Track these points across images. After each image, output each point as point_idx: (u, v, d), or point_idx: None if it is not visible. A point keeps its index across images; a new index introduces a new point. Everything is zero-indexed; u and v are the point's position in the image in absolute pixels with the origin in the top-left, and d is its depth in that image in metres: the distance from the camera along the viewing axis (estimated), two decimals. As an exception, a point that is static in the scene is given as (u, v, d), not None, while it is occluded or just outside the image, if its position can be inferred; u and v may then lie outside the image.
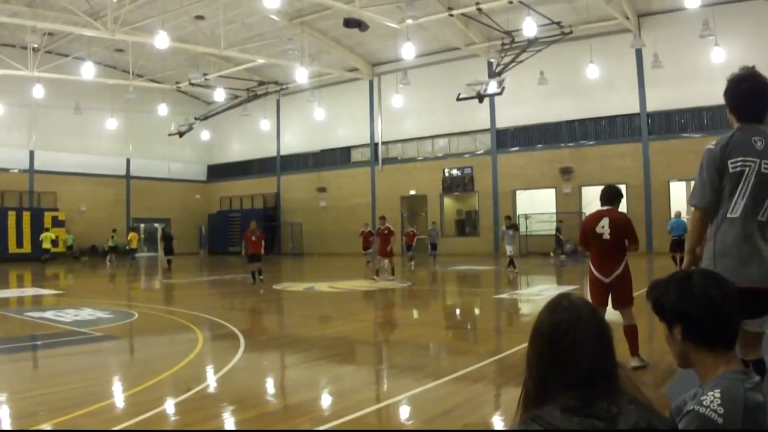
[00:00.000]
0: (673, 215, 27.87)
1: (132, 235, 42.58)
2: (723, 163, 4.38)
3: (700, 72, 34.07)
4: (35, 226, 46.24)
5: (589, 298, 8.64)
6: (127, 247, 42.41)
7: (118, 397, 7.95)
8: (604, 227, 8.73)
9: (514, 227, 29.01)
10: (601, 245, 8.79)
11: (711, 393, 2.38)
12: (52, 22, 34.99)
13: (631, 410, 2.10)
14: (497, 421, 6.83)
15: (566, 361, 2.13)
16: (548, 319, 2.23)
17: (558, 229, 37.32)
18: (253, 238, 24.56)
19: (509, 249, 27.87)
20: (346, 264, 33.04)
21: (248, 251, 24.64)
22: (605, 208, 8.96)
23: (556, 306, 2.26)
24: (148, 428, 6.37)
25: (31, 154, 48.93)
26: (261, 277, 24.66)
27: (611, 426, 2.05)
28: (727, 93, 4.58)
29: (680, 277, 2.65)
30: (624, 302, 8.73)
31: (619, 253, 8.77)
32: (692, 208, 4.66)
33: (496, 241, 41.90)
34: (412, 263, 32.59)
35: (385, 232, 26.59)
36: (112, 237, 41.97)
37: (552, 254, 36.70)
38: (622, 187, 36.31)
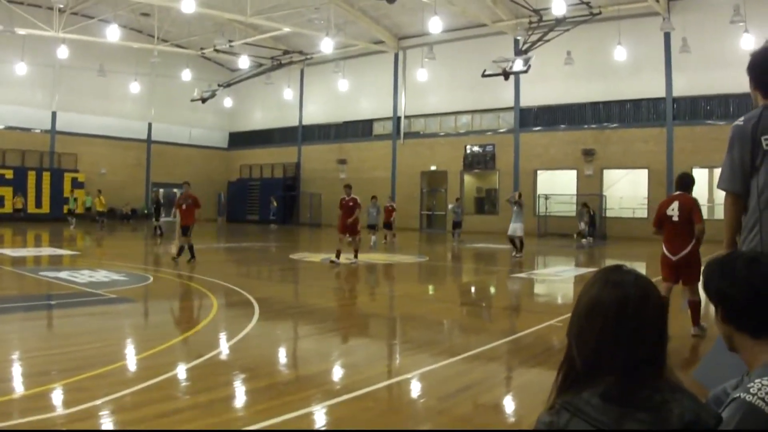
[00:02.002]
0: None
1: (97, 199, 42.42)
2: (755, 140, 3.98)
3: (728, 58, 33.57)
4: (55, 186, 46.45)
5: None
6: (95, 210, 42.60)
7: (130, 360, 7.94)
8: (674, 210, 9.56)
9: (518, 204, 25.68)
10: (671, 226, 9.63)
11: (759, 380, 2.24)
12: (78, -17, 34.95)
13: (676, 400, 1.96)
14: (511, 402, 6.76)
15: (628, 342, 1.95)
16: (612, 294, 2.01)
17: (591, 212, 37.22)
18: (184, 206, 20.07)
19: (512, 228, 24.92)
20: (364, 236, 32.89)
21: (180, 222, 20.05)
22: (677, 192, 9.78)
23: (620, 279, 2.04)
24: (157, 392, 6.33)
25: (54, 114, 49.00)
26: (192, 258, 19.55)
27: (655, 417, 1.91)
28: (752, 67, 4.19)
29: (726, 258, 2.53)
30: (690, 280, 9.62)
31: (687, 234, 9.50)
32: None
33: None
34: (395, 240, 31.64)
35: (350, 203, 21.32)
36: (74, 200, 41.78)
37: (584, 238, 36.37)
38: (644, 172, 36.63)
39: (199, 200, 21.30)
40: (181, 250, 19.58)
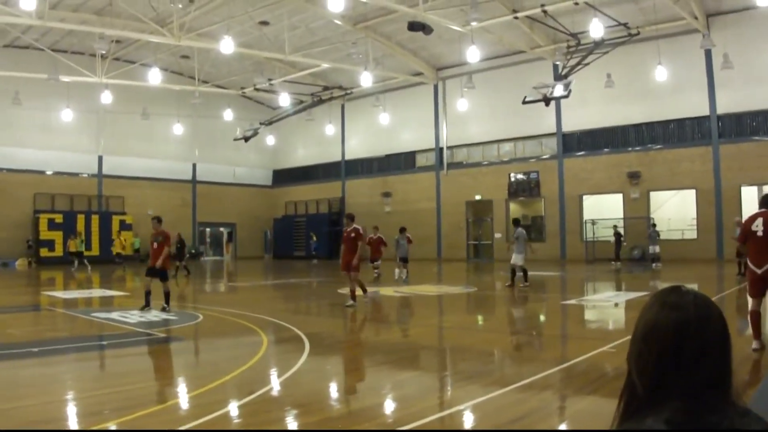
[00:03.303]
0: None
1: (117, 240, 41.97)
2: None
3: (772, 72, 33.38)
4: (104, 229, 47.10)
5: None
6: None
7: (182, 398, 7.96)
8: (758, 226, 9.93)
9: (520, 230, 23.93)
10: (755, 241, 9.97)
11: None
12: (119, 30, 35.54)
13: (746, 425, 1.87)
14: None
15: (690, 366, 1.87)
16: (671, 316, 1.91)
17: (619, 234, 36.68)
18: (155, 245, 17.07)
19: (515, 258, 23.11)
20: (410, 269, 32.74)
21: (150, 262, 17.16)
22: (762, 210, 10.16)
23: (679, 301, 1.94)
24: (209, 429, 6.32)
25: (100, 158, 49.88)
26: (166, 305, 16.43)
27: None
28: None
29: None
30: None
31: None
32: None
33: (563, 246, 41.44)
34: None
35: (351, 235, 17.86)
36: (81, 241, 41.55)
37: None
38: (692, 192, 36.18)
39: (171, 238, 18.11)
40: (147, 295, 16.41)
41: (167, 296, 16.54)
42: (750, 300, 10.12)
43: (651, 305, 2.00)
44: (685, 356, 1.88)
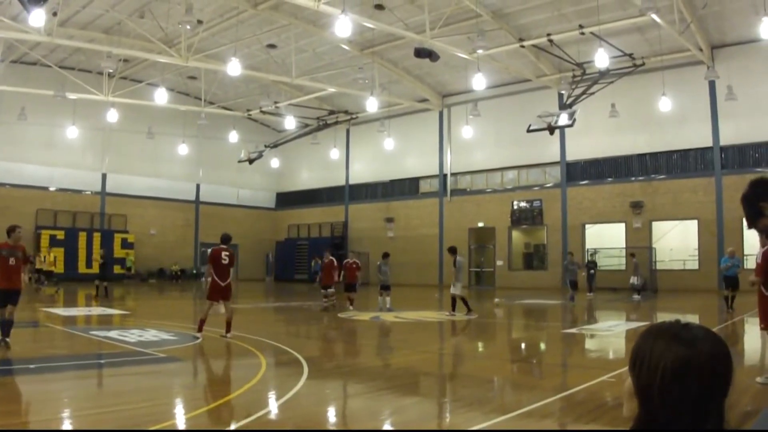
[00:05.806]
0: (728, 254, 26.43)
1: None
2: None
3: (775, 104, 33.42)
4: (105, 247, 47.06)
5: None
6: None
7: (179, 419, 7.91)
8: None
9: (454, 262, 22.90)
10: None
11: None
12: (127, 49, 35.67)
13: None
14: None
15: (697, 405, 1.81)
16: (681, 352, 1.84)
17: (594, 264, 35.92)
18: (12, 261, 13.16)
19: (453, 288, 22.44)
20: (412, 294, 32.65)
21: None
22: None
23: (689, 337, 1.87)
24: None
25: (104, 176, 49.91)
26: (6, 339, 12.94)
27: None
28: None
29: None
30: None
31: None
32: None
33: (565, 274, 41.32)
34: (351, 306, 26.13)
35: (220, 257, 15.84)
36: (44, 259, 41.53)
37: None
38: (694, 223, 36.12)
39: (28, 255, 14.24)
40: (2, 326, 13.10)
41: (8, 326, 13.20)
42: (763, 333, 10.05)
43: (660, 337, 1.93)
44: (691, 394, 1.82)
